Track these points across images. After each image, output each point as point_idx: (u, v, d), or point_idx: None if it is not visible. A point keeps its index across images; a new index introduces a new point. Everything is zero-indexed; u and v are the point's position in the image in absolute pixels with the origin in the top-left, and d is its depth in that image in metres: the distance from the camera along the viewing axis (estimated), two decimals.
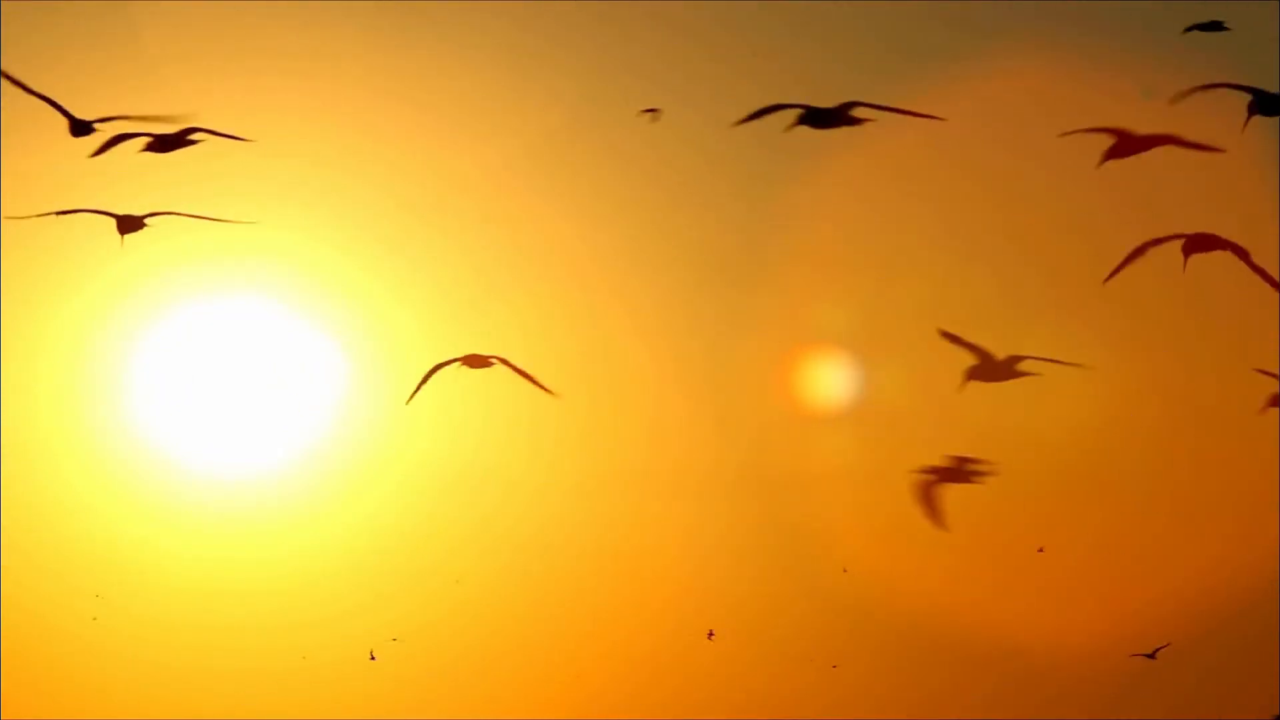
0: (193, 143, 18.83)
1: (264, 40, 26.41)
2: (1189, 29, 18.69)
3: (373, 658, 25.51)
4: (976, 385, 18.05)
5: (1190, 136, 16.76)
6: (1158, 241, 16.71)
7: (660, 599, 25.62)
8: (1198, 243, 16.70)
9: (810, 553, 25.65)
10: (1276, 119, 16.45)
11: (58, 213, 18.92)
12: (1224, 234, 16.98)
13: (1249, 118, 16.33)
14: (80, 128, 18.54)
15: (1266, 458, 23.51)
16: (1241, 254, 16.83)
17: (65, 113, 18.47)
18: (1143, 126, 16.77)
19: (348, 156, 26.48)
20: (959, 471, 18.60)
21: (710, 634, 25.45)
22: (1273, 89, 16.25)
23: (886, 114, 17.75)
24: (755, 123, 17.56)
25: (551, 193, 26.75)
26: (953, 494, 18.43)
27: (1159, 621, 24.74)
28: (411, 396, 20.73)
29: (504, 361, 20.25)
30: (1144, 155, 16.92)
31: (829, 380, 25.18)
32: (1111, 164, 16.91)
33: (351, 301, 26.36)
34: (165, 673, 25.67)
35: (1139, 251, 16.73)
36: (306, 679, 25.68)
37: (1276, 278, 16.74)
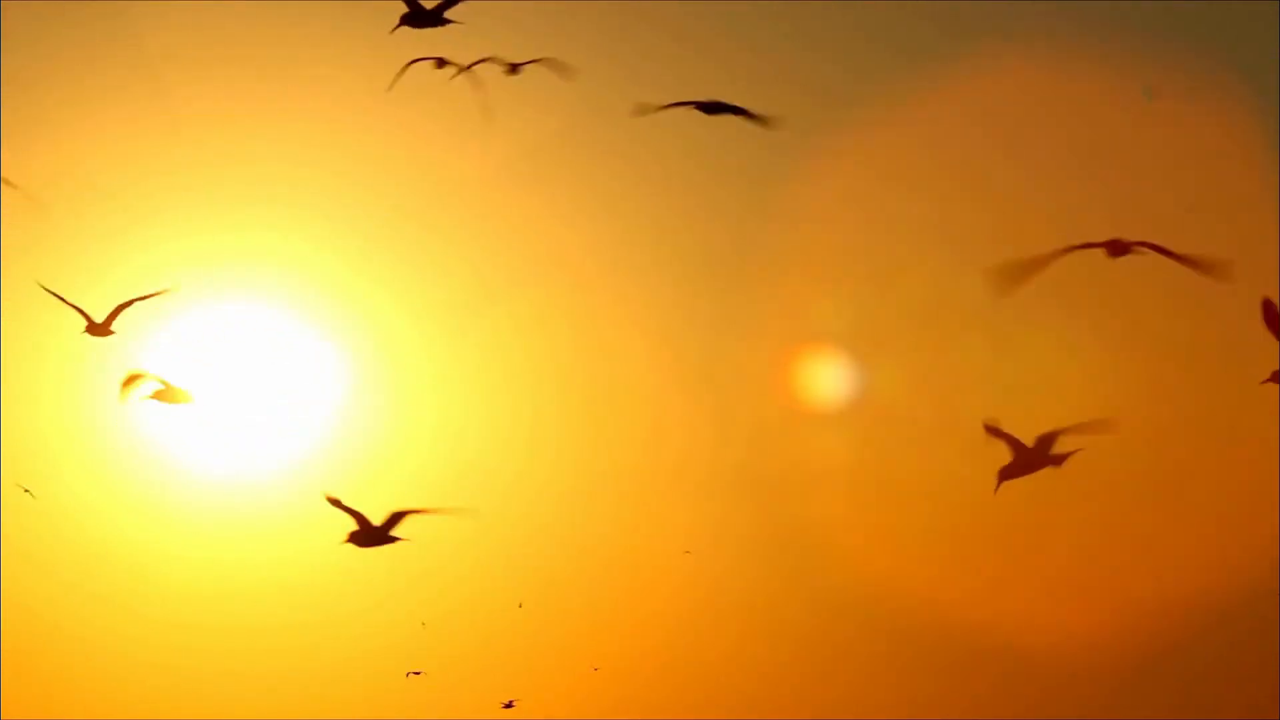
0: None
1: (263, 41, 26.43)
2: None
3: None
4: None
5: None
6: None
7: (659, 598, 25.66)
8: None
9: (809, 552, 25.69)
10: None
11: None
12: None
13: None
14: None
15: (1265, 457, 23.56)
16: None
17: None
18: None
19: (346, 159, 26.52)
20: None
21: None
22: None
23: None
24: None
25: (549, 194, 26.79)
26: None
27: (1158, 620, 24.79)
28: None
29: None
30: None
31: (827, 380, 25.21)
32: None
33: (351, 304, 26.40)
34: (165, 673, 25.70)
35: None
36: (306, 680, 25.72)
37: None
